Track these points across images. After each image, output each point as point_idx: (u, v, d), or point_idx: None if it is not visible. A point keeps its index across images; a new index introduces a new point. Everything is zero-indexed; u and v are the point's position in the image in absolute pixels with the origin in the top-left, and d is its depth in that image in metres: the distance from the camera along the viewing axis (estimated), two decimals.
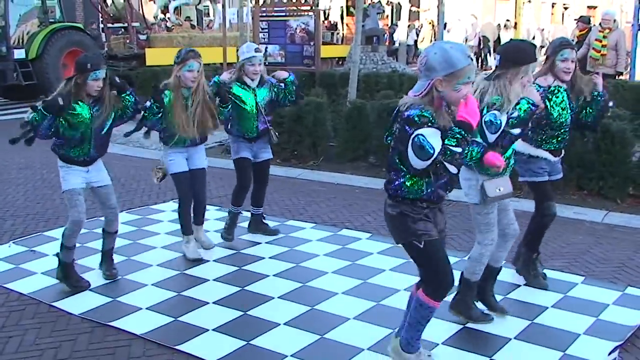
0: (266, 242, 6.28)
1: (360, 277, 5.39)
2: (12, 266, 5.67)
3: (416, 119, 3.27)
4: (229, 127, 6.12)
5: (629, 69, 12.92)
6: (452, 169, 3.48)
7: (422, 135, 3.24)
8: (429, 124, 3.27)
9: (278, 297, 4.99)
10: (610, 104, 5.05)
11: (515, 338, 4.35)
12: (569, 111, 4.90)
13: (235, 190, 6.28)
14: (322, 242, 6.27)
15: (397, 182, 3.52)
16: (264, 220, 6.61)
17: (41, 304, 4.95)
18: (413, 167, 3.37)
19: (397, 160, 3.51)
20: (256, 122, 6.05)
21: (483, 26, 23.28)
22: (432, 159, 3.26)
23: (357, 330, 4.46)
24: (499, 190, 4.23)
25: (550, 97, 4.81)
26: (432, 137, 3.26)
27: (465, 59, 3.30)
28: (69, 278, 5.17)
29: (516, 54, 4.17)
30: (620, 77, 12.01)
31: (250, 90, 6.01)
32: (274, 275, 5.43)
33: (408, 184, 3.49)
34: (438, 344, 4.25)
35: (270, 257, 5.87)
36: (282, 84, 6.12)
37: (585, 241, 6.39)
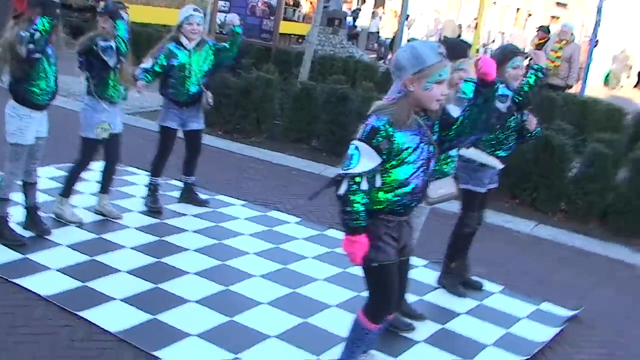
0: (192, 215, 6.15)
1: (281, 262, 5.31)
2: None
3: (367, 129, 3.14)
4: (162, 89, 5.99)
5: (579, 82, 13.09)
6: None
7: (358, 148, 3.11)
8: (378, 143, 3.10)
9: (193, 273, 4.88)
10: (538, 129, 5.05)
11: (423, 341, 4.34)
12: (514, 119, 4.89)
13: (154, 159, 6.17)
14: (249, 221, 6.17)
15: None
16: (195, 191, 6.48)
17: None
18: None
19: None
20: (189, 85, 5.91)
21: (445, 23, 23.32)
22: (346, 175, 3.12)
23: (268, 316, 4.39)
24: (441, 191, 4.14)
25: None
26: (366, 157, 3.11)
27: (436, 55, 3.14)
28: (2, 233, 4.97)
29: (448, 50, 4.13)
30: (570, 90, 12.14)
31: (186, 51, 5.88)
32: (193, 250, 5.31)
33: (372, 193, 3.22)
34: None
35: (193, 231, 5.74)
36: (226, 42, 6.08)
37: (509, 251, 6.45)
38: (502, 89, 4.52)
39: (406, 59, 3.15)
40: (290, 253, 5.55)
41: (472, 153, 4.84)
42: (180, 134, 6.22)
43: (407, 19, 17.64)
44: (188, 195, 6.45)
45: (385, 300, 3.41)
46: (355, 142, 3.15)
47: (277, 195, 7.21)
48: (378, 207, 3.22)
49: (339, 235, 3.43)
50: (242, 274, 4.99)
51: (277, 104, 9.84)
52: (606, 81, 26.92)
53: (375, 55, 22.74)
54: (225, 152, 8.75)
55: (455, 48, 4.27)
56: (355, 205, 3.15)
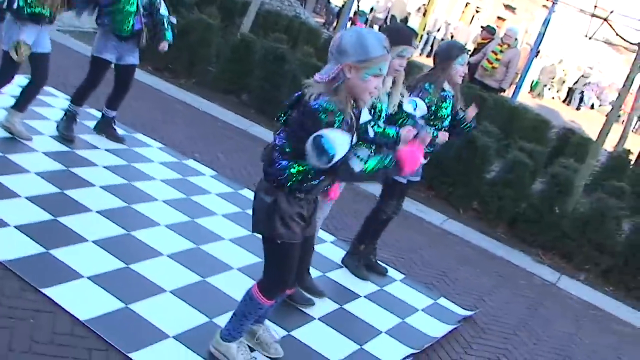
0: (105, 149, 5.92)
1: (189, 214, 5.17)
2: None
3: (322, 116, 2.96)
4: (99, 19, 5.70)
5: (513, 87, 13.29)
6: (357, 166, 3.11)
7: (324, 136, 2.92)
8: (335, 123, 2.98)
9: (95, 212, 4.68)
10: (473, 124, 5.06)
11: (319, 319, 4.30)
12: (449, 119, 4.88)
13: (80, 87, 5.89)
14: (163, 166, 5.99)
15: (279, 165, 3.14)
16: (113, 125, 6.23)
17: None
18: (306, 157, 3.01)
19: (286, 142, 3.14)
20: (132, 21, 5.67)
21: (395, 2, 23.22)
22: (333, 162, 2.95)
23: (166, 269, 4.25)
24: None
25: (440, 103, 4.75)
26: (337, 140, 2.95)
27: (381, 49, 3.06)
28: None
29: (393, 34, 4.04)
30: (502, 94, 12.31)
31: None
32: (100, 187, 5.10)
33: (293, 171, 3.11)
34: None
35: (104, 167, 5.52)
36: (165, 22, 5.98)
37: (417, 240, 6.49)
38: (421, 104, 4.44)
39: (351, 45, 3.05)
40: (200, 206, 5.41)
41: None
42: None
43: None
44: (105, 129, 6.20)
45: (281, 278, 3.36)
46: (318, 133, 2.93)
47: (197, 144, 7.03)
48: (295, 182, 3.14)
49: (252, 196, 3.31)
50: (146, 220, 4.82)
51: (214, 51, 9.63)
52: (532, 89, 27.69)
53: (322, 21, 22.52)
54: (152, 90, 8.47)
55: (401, 34, 4.22)
56: (371, 168, 3.08)
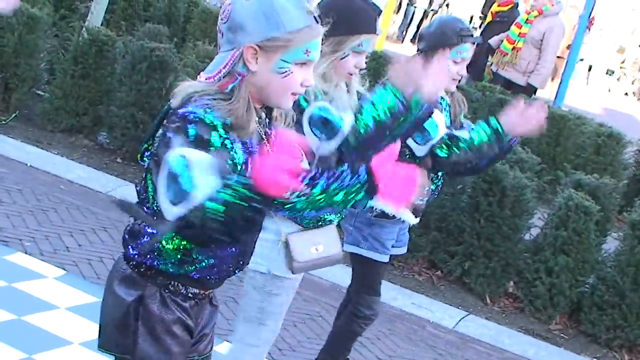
0: None
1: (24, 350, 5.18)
2: None
3: (190, 128, 2.88)
4: None
5: (554, 83, 13.14)
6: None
7: (184, 157, 2.81)
8: (211, 143, 2.90)
9: None
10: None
11: None
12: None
13: None
14: None
15: (144, 238, 3.12)
16: None
17: None
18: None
19: (150, 193, 3.11)
20: None
21: None
22: (187, 205, 2.79)
23: None
24: (316, 250, 4.15)
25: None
26: (200, 166, 2.81)
27: (305, 15, 3.02)
28: None
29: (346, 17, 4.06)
30: (535, 95, 12.18)
31: None
32: None
33: (168, 245, 3.08)
34: None
35: None
36: None
37: (418, 356, 6.36)
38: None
39: (251, 13, 3.03)
40: (43, 332, 5.42)
41: None
42: None
43: None
44: None
45: None
46: (174, 152, 2.85)
47: (28, 227, 6.90)
48: (169, 269, 3.12)
49: None
50: None
51: (45, 60, 9.63)
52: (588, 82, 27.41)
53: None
54: None
55: (356, 15, 4.15)
56: (214, 212, 2.81)
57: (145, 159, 3.19)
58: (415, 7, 25.04)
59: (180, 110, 2.95)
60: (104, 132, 9.16)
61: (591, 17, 12.70)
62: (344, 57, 4.02)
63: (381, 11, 4.62)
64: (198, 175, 2.81)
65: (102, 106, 9.08)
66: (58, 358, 5.25)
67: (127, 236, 3.19)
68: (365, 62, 4.22)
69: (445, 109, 4.94)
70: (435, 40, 4.84)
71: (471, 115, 5.12)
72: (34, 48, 9.30)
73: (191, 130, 2.89)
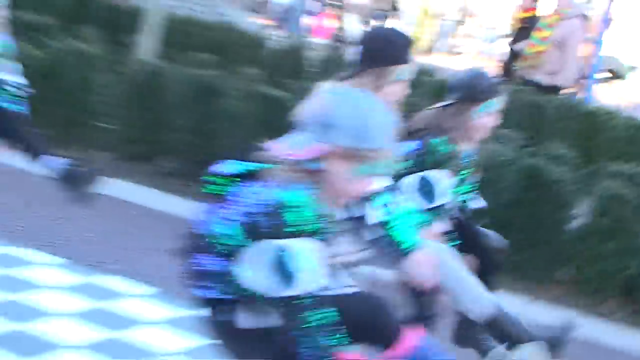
0: None
1: None
2: None
3: (291, 216, 3.05)
4: None
5: (579, 79, 13.10)
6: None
7: (289, 249, 3.01)
8: (311, 229, 3.06)
9: None
10: None
11: None
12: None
13: None
14: (62, 292, 6.07)
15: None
16: None
17: None
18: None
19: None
20: None
21: None
22: (292, 288, 3.03)
23: None
24: None
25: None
26: (305, 255, 3.01)
27: (386, 139, 3.15)
28: None
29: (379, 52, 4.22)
30: (564, 91, 12.28)
31: None
32: None
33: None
34: None
35: None
36: None
37: None
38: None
39: (348, 120, 3.09)
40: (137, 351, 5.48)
41: None
42: None
43: None
44: None
45: None
46: (279, 244, 3.03)
47: (110, 249, 7.08)
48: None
49: None
50: None
51: (101, 95, 9.65)
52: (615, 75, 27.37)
53: (265, 23, 22.43)
54: (11, 171, 8.49)
55: (389, 49, 4.27)
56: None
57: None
58: (443, 20, 25.38)
59: (263, 190, 3.11)
60: (161, 158, 9.25)
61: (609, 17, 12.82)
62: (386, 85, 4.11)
63: (410, 40, 4.64)
64: (303, 260, 3.02)
65: (161, 132, 9.13)
66: None
67: None
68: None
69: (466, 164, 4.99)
70: (464, 95, 4.86)
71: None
72: (89, 82, 9.38)
73: (289, 218, 3.04)
